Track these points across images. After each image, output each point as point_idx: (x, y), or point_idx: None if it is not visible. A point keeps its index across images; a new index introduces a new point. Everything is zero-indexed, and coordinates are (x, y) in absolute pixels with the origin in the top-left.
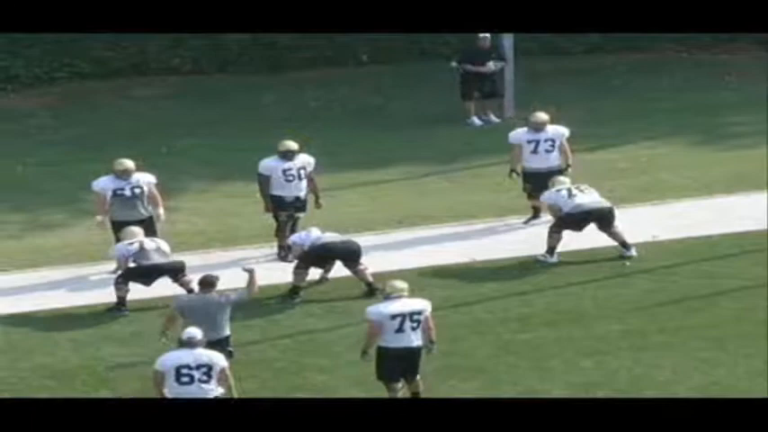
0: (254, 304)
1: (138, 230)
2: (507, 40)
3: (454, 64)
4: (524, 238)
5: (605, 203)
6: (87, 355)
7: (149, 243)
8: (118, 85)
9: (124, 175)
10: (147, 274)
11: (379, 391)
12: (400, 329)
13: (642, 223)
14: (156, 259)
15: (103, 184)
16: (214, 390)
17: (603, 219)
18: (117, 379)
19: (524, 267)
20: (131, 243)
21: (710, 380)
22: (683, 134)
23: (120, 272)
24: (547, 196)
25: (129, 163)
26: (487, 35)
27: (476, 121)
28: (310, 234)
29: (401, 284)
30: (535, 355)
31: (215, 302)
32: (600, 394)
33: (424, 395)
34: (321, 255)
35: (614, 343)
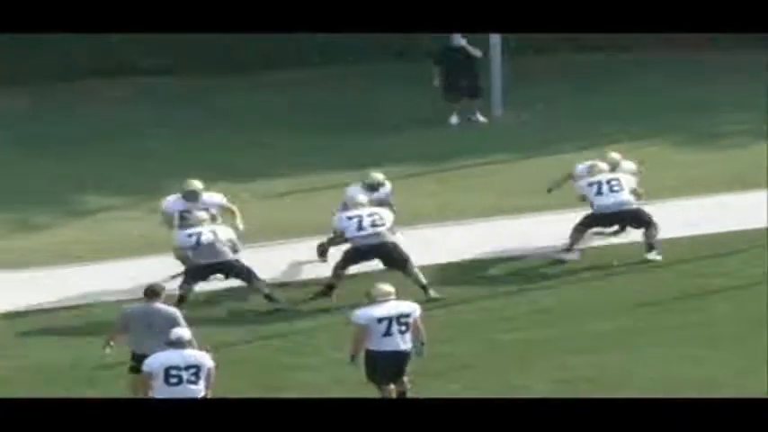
0: (239, 304)
1: (203, 217)
2: (494, 38)
3: (435, 83)
4: (511, 238)
5: (630, 206)
6: (75, 354)
7: (207, 235)
8: (86, 86)
9: (191, 196)
10: (204, 272)
11: (364, 390)
12: (388, 333)
13: None
14: (209, 258)
15: (170, 205)
16: (202, 390)
17: (633, 219)
18: (105, 378)
19: (511, 267)
20: (190, 235)
21: (702, 377)
22: (670, 133)
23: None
24: (582, 185)
25: (196, 184)
26: (458, 35)
27: (452, 120)
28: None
29: (388, 288)
30: (522, 354)
31: (159, 313)
32: (589, 392)
33: (411, 395)
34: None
35: (602, 341)
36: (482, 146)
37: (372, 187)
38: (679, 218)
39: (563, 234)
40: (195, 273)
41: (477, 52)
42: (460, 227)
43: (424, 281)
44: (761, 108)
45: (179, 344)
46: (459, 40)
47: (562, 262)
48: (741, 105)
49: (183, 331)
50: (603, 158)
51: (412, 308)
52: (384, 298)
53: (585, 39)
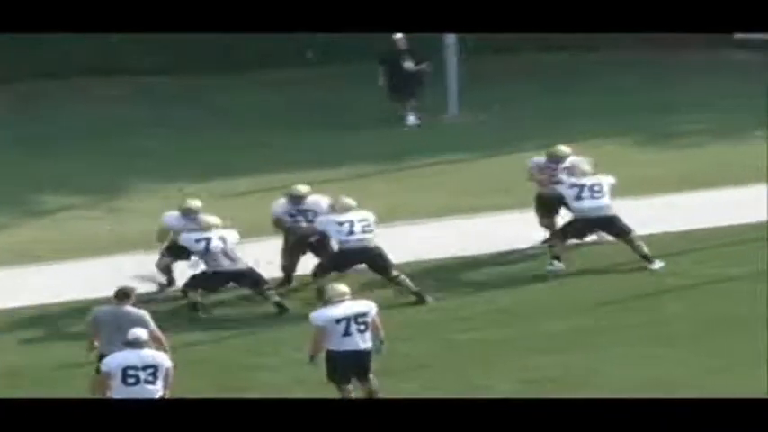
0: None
1: (214, 221)
2: (449, 38)
3: (380, 83)
4: (467, 238)
5: (608, 212)
6: (33, 354)
7: (216, 243)
8: (79, 85)
9: (191, 213)
10: (217, 281)
11: (325, 390)
12: (347, 333)
13: None
14: (224, 265)
15: (170, 221)
16: (160, 390)
17: (609, 226)
18: (63, 379)
19: (467, 267)
20: (198, 240)
21: (660, 376)
22: (631, 133)
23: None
24: (564, 184)
25: (196, 203)
26: (401, 36)
27: (410, 119)
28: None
29: (343, 288)
30: (479, 353)
31: (128, 316)
32: (551, 392)
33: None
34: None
35: (560, 341)
36: (438, 145)
37: (297, 199)
38: (631, 217)
39: (519, 233)
40: (208, 280)
41: (425, 66)
42: (415, 226)
43: (412, 286)
44: (721, 108)
45: (136, 344)
46: (402, 43)
47: (551, 273)
48: (703, 105)
49: (141, 331)
50: (552, 152)
51: (368, 306)
52: (340, 298)
53: (550, 39)
